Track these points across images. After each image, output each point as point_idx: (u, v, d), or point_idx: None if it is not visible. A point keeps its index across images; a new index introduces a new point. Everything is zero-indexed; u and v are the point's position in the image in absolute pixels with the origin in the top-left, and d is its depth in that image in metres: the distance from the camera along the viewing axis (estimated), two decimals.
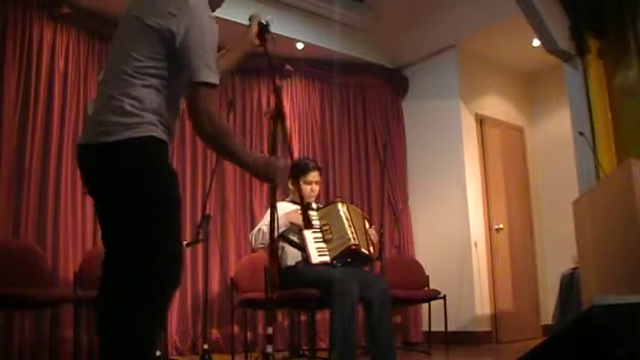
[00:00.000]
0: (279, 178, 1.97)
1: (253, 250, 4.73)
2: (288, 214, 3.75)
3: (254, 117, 5.74)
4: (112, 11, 4.90)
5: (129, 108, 1.80)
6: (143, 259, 1.76)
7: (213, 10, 1.96)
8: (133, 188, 1.79)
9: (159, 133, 1.84)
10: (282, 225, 3.72)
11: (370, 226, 4.03)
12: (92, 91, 4.82)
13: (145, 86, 1.83)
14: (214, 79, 1.84)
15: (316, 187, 3.97)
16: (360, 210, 4.14)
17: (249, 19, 2.26)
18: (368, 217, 4.30)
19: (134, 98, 1.81)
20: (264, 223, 3.84)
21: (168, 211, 1.84)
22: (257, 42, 2.23)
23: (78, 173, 4.85)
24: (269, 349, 2.64)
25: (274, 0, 5.40)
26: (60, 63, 4.64)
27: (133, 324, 1.73)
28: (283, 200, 4.07)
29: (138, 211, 1.78)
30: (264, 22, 2.22)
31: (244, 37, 2.25)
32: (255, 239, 3.83)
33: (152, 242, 1.77)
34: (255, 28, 2.22)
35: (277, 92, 2.37)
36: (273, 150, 2.45)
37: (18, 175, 4.29)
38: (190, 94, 1.84)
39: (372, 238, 3.96)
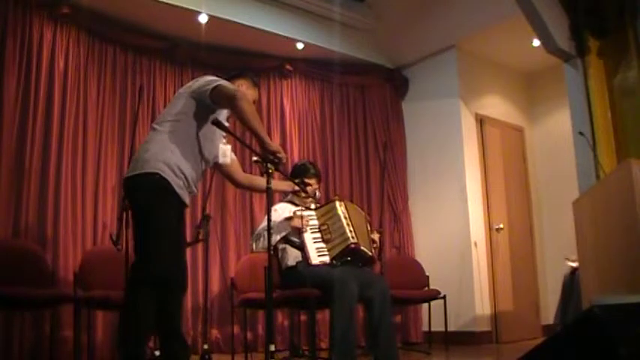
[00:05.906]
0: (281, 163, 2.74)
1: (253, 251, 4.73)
2: (288, 218, 3.74)
3: None
4: (112, 11, 4.90)
5: (150, 146, 2.63)
6: (141, 262, 2.55)
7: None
8: (140, 214, 2.61)
9: (162, 169, 2.57)
10: (283, 230, 3.71)
11: (372, 230, 4.01)
12: (92, 91, 4.82)
13: (164, 131, 2.66)
14: (225, 83, 2.71)
15: (317, 187, 3.96)
16: (361, 210, 4.11)
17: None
18: (369, 219, 4.28)
19: (154, 141, 2.64)
20: (264, 228, 3.83)
21: (163, 232, 2.54)
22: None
23: (78, 173, 4.87)
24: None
25: (274, 0, 5.40)
26: (60, 63, 4.64)
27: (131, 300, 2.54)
28: (282, 201, 4.06)
29: (141, 229, 2.59)
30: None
31: (282, 182, 3.62)
32: (255, 244, 3.83)
33: (147, 250, 2.53)
34: (288, 185, 3.58)
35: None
36: None
37: (18, 175, 4.29)
38: (214, 95, 2.66)
39: (374, 238, 3.94)
